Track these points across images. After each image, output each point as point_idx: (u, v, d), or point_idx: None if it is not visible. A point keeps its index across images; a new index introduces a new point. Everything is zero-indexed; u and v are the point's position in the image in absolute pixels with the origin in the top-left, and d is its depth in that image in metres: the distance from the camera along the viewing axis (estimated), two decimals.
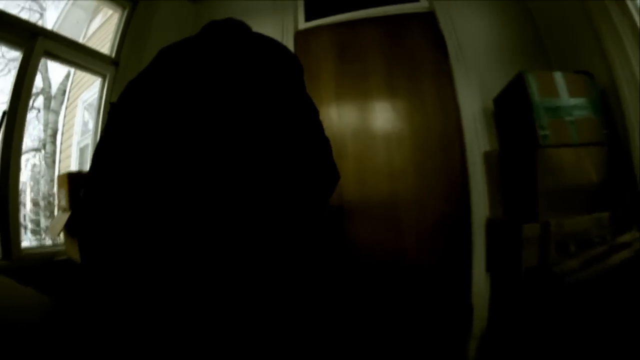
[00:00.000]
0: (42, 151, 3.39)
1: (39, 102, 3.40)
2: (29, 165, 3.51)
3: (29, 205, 3.35)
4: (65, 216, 1.53)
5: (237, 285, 0.64)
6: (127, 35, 2.00)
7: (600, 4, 1.56)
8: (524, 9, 2.02)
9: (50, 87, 3.39)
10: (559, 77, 1.58)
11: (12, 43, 1.66)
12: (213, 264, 0.62)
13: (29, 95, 1.72)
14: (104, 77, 2.00)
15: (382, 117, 2.08)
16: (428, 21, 2.15)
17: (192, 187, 0.64)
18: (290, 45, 2.20)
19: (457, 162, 1.92)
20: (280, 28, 2.23)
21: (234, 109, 0.72)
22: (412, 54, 2.11)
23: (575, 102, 1.55)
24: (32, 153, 3.37)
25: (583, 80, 1.61)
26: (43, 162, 3.34)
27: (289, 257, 0.72)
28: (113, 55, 2.00)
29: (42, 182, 3.35)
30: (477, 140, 1.88)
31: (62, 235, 1.67)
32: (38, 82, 3.36)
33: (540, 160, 1.48)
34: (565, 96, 1.56)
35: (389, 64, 2.12)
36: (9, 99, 1.65)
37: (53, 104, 3.38)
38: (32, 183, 3.49)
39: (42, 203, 3.27)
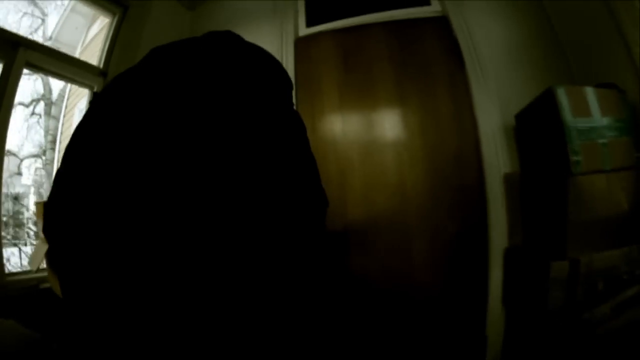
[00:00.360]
0: (43, 157, 3.32)
1: (39, 108, 3.34)
2: (32, 171, 3.45)
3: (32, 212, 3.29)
4: (45, 247, 1.41)
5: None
6: (116, 45, 1.87)
7: (629, 4, 1.37)
8: (543, 15, 1.81)
9: (50, 92, 3.31)
10: (590, 93, 1.39)
11: None
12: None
13: (9, 110, 1.60)
14: (91, 89, 1.87)
15: (392, 131, 1.90)
16: (441, 26, 1.95)
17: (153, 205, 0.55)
18: (289, 53, 2.04)
19: (474, 183, 1.73)
20: (280, 35, 2.07)
21: (214, 118, 0.63)
22: (424, 61, 1.92)
23: (607, 122, 1.37)
24: (33, 159, 3.31)
25: (615, 96, 1.42)
26: (43, 170, 3.26)
27: (272, 300, 0.61)
28: (101, 65, 1.87)
29: (41, 190, 3.28)
30: (496, 160, 1.69)
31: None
32: (39, 87, 3.30)
33: (572, 190, 1.30)
34: (597, 115, 1.37)
35: (398, 72, 1.94)
36: None
37: (53, 110, 3.30)
38: (34, 190, 3.43)
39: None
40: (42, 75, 3.32)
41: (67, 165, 0.67)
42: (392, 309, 1.73)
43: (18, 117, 3.32)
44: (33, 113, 3.46)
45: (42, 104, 3.36)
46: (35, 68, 1.68)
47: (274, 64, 0.86)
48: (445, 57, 1.90)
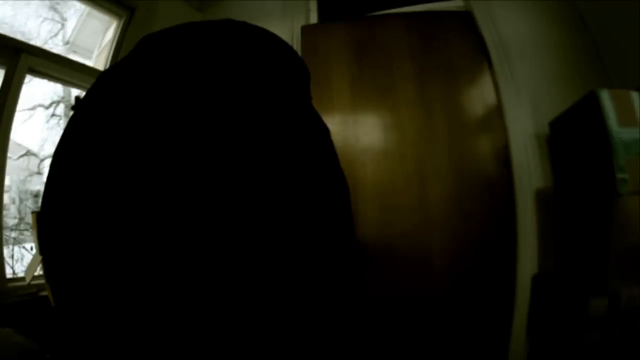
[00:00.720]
0: None
1: (60, 109, 3.39)
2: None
3: None
4: (39, 258, 1.36)
5: None
6: (122, 48, 1.81)
7: None
8: (576, 13, 1.61)
9: (70, 95, 3.34)
10: (636, 99, 1.19)
11: None
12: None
13: (11, 115, 1.56)
14: None
15: (413, 137, 1.70)
16: (465, 22, 1.77)
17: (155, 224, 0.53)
18: (296, 45, 1.87)
19: (503, 199, 1.55)
20: (290, 34, 1.93)
21: (219, 121, 0.57)
22: (447, 60, 1.74)
23: None
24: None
25: None
26: None
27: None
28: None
29: None
30: (528, 173, 1.51)
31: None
32: (58, 89, 3.35)
33: (617, 212, 1.12)
34: None
35: (419, 71, 1.74)
36: None
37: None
38: None
39: None
40: None
41: (56, 173, 0.60)
42: (409, 333, 1.58)
43: (39, 119, 3.36)
44: (53, 114, 3.51)
45: (62, 105, 3.42)
46: (39, 73, 1.64)
47: (287, 51, 0.72)
48: (470, 55, 1.72)
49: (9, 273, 1.75)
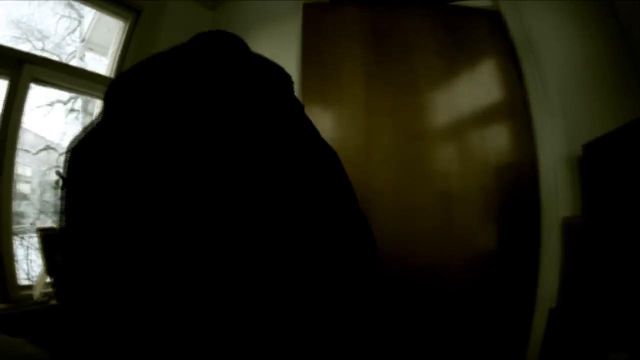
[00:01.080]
0: None
1: (77, 104, 3.41)
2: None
3: None
4: (45, 277, 1.34)
5: None
6: (128, 52, 1.75)
7: None
8: (618, 29, 1.41)
9: None
10: None
11: None
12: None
13: (17, 127, 1.54)
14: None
15: (442, 152, 1.49)
16: (494, 22, 1.58)
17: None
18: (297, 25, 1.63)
19: (528, 226, 1.42)
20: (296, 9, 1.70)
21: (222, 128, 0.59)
22: (476, 61, 1.56)
23: None
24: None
25: None
26: None
27: None
28: (112, 75, 1.76)
29: None
30: (555, 197, 1.37)
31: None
32: None
33: None
34: None
35: (448, 71, 1.53)
36: None
37: (90, 106, 3.35)
38: None
39: None
40: None
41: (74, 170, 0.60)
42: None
43: (58, 114, 3.40)
44: (72, 110, 3.55)
45: (79, 100, 3.44)
46: (43, 83, 1.60)
47: (265, 62, 0.72)
48: (499, 60, 1.55)
49: (23, 277, 1.78)
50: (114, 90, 0.65)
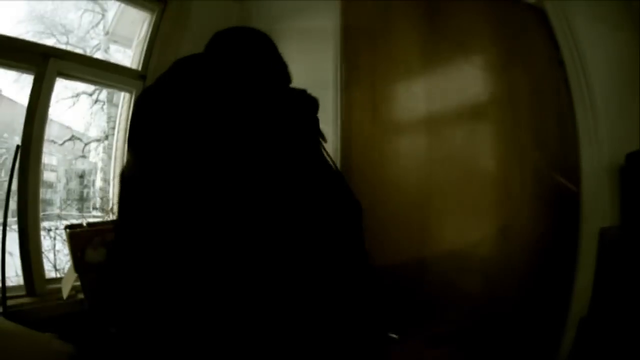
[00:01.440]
0: (105, 142, 3.47)
1: (102, 95, 3.47)
2: (98, 152, 3.65)
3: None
4: (74, 275, 1.34)
5: None
6: (155, 45, 1.73)
7: None
8: None
9: None
10: None
11: (23, 67, 1.52)
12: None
13: (43, 121, 1.54)
14: (130, 93, 1.77)
15: (499, 155, 1.44)
16: (540, 19, 1.47)
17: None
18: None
19: (567, 236, 1.34)
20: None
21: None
22: (528, 58, 1.46)
23: None
24: (96, 143, 3.48)
25: None
26: (104, 154, 3.40)
27: None
28: (139, 68, 1.75)
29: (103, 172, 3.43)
30: (595, 206, 1.29)
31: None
32: None
33: None
34: None
35: (506, 61, 1.43)
36: (23, 127, 1.49)
37: (115, 97, 3.39)
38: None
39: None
40: None
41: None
42: None
43: (83, 105, 3.46)
44: (97, 100, 3.60)
45: (104, 92, 3.48)
46: (69, 77, 1.60)
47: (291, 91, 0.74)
48: (546, 59, 1.45)
49: (49, 269, 1.79)
50: (142, 108, 0.70)
